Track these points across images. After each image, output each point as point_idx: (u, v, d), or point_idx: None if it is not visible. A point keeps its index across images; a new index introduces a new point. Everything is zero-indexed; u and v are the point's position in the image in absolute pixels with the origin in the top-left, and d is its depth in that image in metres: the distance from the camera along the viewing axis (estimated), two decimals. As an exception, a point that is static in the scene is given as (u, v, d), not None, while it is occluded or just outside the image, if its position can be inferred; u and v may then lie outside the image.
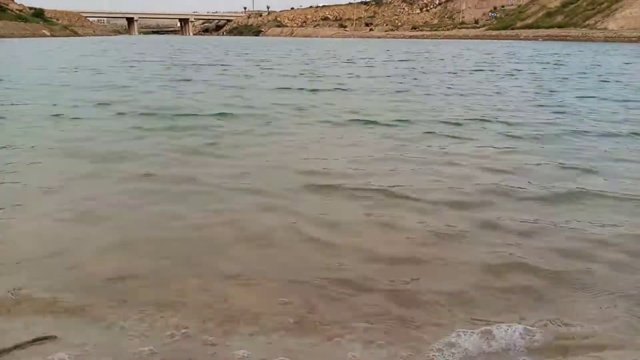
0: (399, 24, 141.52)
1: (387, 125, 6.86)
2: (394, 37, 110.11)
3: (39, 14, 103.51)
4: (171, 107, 7.88)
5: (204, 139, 5.70)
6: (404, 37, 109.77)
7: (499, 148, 5.44)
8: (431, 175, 4.29)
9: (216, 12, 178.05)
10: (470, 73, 15.89)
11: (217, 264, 2.63)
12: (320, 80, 12.41)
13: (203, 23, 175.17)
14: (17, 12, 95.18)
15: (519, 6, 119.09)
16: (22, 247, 2.78)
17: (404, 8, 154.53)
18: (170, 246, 2.84)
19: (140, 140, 5.63)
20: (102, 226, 3.09)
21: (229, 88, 10.62)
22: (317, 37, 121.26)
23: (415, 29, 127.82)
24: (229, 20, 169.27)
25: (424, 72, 15.23)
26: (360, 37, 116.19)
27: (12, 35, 69.19)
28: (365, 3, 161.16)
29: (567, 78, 14.03)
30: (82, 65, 14.93)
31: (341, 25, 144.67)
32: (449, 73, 15.58)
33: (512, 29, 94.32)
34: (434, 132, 6.41)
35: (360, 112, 7.84)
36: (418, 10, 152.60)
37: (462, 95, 10.49)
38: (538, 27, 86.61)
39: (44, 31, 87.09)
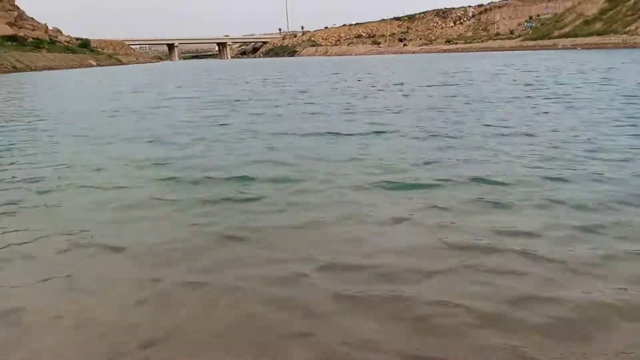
0: (433, 38, 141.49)
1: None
2: (428, 52, 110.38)
3: (85, 44, 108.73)
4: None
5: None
6: (438, 51, 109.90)
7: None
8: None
9: (252, 34, 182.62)
10: (525, 99, 12.80)
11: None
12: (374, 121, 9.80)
13: (240, 46, 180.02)
14: (65, 43, 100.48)
15: (555, 15, 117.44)
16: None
17: (437, 22, 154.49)
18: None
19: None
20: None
21: (264, 138, 8.33)
22: (351, 54, 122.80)
23: (449, 42, 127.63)
24: (264, 42, 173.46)
25: (468, 102, 12.41)
26: (394, 52, 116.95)
27: (61, 67, 73.17)
28: (398, 19, 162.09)
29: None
30: (123, 107, 13.72)
31: (374, 42, 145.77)
32: (501, 100, 12.52)
33: (549, 38, 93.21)
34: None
35: (397, 166, 6.05)
36: (452, 24, 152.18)
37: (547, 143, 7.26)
38: (576, 36, 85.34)
39: (90, 61, 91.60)
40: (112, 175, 5.95)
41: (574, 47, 77.00)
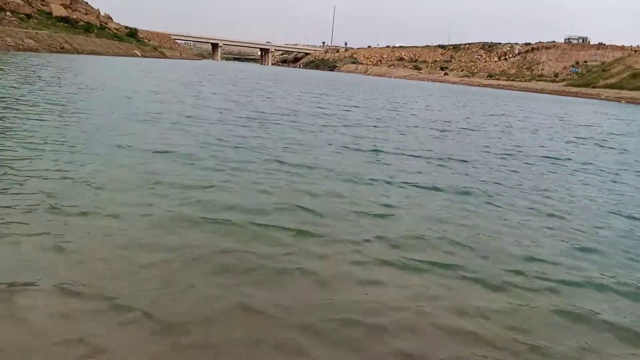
0: (475, 70, 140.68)
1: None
2: (468, 84, 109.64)
3: (133, 33, 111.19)
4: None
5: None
6: (479, 84, 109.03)
7: None
8: None
9: (295, 44, 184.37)
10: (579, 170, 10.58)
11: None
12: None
13: (282, 54, 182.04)
14: (115, 30, 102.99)
15: (602, 63, 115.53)
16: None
17: (481, 55, 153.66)
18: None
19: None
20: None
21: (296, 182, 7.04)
22: (390, 77, 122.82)
23: (491, 77, 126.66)
24: (307, 54, 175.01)
25: (515, 171, 9.65)
26: (434, 80, 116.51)
27: (107, 54, 74.90)
28: (442, 47, 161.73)
29: None
30: (158, 117, 12.12)
31: (416, 67, 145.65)
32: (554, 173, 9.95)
33: (594, 87, 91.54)
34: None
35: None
36: (496, 58, 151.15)
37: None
38: (621, 88, 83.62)
39: (135, 51, 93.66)
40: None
41: (617, 99, 75.40)
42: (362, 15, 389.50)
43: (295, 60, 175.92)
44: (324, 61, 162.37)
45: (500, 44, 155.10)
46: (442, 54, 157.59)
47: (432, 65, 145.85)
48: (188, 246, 4.38)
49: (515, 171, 9.51)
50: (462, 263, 4.61)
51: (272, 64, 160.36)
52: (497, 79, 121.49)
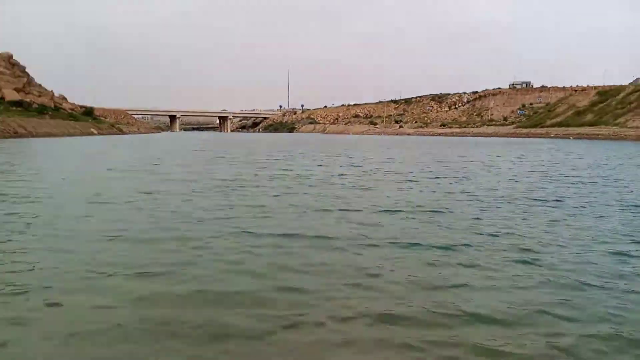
0: (428, 121, 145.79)
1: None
2: (423, 134, 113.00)
3: (89, 112, 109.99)
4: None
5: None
6: (433, 134, 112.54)
7: None
8: None
9: (253, 110, 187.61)
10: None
11: None
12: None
13: (240, 120, 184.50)
14: (70, 110, 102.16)
15: (547, 104, 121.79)
16: None
17: (432, 106, 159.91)
18: None
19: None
20: None
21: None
22: (348, 134, 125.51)
23: (444, 126, 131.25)
24: (265, 118, 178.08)
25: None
26: (391, 133, 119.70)
27: (62, 134, 73.77)
28: (395, 101, 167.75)
29: None
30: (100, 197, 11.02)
31: (372, 122, 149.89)
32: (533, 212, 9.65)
33: (542, 126, 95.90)
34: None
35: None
36: (447, 108, 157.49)
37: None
38: (568, 126, 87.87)
39: (92, 130, 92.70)
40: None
41: (566, 136, 78.99)
42: (315, 76, 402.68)
43: (254, 125, 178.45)
44: (282, 124, 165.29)
45: (449, 94, 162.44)
46: (395, 108, 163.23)
47: (387, 119, 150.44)
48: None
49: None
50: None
51: (232, 131, 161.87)
52: (450, 127, 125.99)
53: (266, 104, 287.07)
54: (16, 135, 60.36)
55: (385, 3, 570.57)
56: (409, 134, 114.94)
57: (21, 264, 5.75)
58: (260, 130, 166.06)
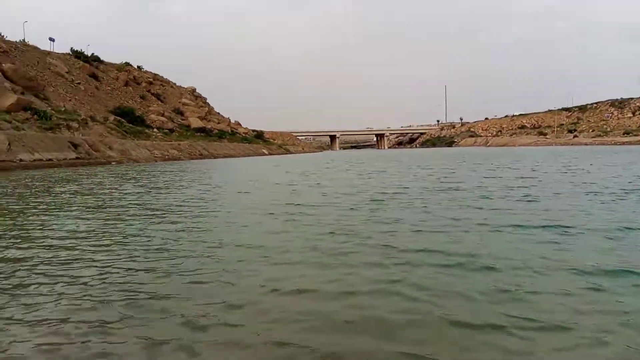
0: (608, 129, 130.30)
1: None
2: (603, 144, 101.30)
3: (259, 135, 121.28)
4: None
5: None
6: (616, 143, 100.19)
7: None
8: None
9: (409, 126, 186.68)
10: None
11: None
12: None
13: (397, 137, 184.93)
14: (243, 134, 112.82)
15: None
16: None
17: (612, 112, 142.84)
18: None
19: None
20: None
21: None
22: (514, 146, 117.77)
23: (628, 134, 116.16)
24: (422, 133, 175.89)
25: None
26: (564, 144, 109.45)
27: (239, 155, 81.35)
28: (567, 109, 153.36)
29: None
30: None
31: (540, 133, 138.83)
32: None
33: None
34: None
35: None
36: (630, 114, 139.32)
37: None
38: None
39: (263, 150, 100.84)
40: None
41: None
42: (473, 88, 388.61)
43: (411, 140, 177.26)
44: (441, 138, 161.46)
45: (632, 99, 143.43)
46: (567, 117, 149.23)
47: (559, 129, 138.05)
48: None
49: None
50: None
51: (388, 147, 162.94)
52: (637, 135, 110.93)
53: (423, 119, 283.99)
54: (201, 156, 68.01)
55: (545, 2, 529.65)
56: (585, 144, 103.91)
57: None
58: (417, 145, 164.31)
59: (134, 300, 4.56)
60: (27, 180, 21.73)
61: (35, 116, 48.02)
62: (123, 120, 66.75)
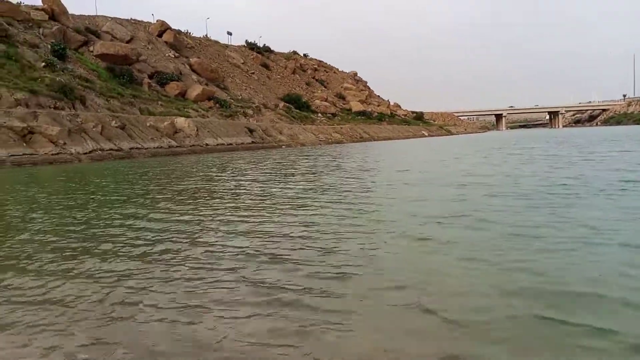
0: None
1: None
2: None
3: (419, 117, 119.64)
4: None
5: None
6: None
7: None
8: None
9: (589, 102, 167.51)
10: None
11: None
12: None
13: (574, 114, 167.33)
14: (403, 116, 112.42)
15: None
16: None
17: None
18: None
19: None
20: None
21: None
22: None
23: None
24: (604, 110, 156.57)
25: None
26: None
27: (398, 137, 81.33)
28: None
29: None
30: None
31: None
32: None
33: None
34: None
35: None
36: None
37: None
38: None
39: (423, 132, 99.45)
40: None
41: None
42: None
43: (591, 118, 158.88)
44: (627, 115, 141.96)
45: None
46: None
47: None
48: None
49: None
50: None
51: (564, 126, 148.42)
52: None
53: (605, 95, 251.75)
54: (361, 139, 69.56)
55: None
56: None
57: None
58: (599, 123, 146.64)
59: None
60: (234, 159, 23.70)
61: (217, 105, 53.70)
62: (291, 106, 71.16)
